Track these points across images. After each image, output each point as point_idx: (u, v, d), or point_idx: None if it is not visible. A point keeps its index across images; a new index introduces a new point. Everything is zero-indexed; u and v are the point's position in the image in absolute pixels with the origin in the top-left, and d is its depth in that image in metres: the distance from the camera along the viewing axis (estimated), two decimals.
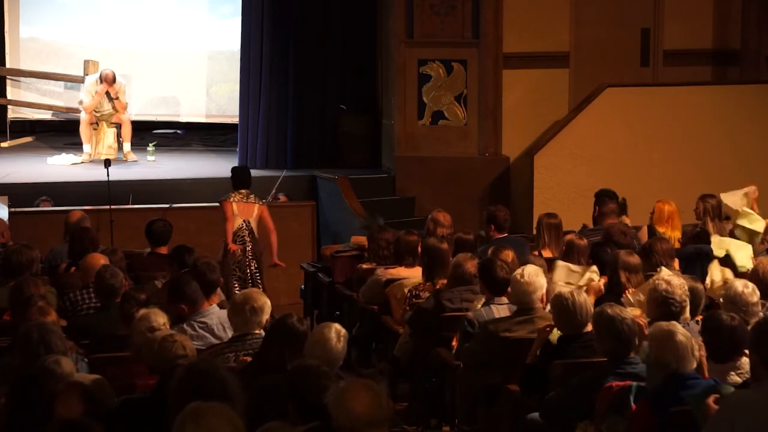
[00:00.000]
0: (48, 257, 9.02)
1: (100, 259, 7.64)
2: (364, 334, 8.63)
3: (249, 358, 5.85)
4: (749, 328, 5.73)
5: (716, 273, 7.84)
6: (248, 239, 10.33)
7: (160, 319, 5.85)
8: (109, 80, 13.86)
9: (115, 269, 7.23)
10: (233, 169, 10.93)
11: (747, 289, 6.35)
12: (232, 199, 10.38)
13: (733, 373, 5.64)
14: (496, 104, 13.22)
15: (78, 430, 4.14)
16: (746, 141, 12.83)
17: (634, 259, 7.28)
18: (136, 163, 13.99)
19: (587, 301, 6.12)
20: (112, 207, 11.12)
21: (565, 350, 6.06)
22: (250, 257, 10.34)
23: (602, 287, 7.43)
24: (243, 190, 10.46)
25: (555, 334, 6.22)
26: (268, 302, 6.22)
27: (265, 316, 6.14)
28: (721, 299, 6.53)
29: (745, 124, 12.87)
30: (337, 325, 5.54)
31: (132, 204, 11.95)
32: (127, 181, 12.54)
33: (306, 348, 5.47)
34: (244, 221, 10.35)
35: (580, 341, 6.02)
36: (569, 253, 8.04)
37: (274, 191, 12.63)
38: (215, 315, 6.69)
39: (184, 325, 6.57)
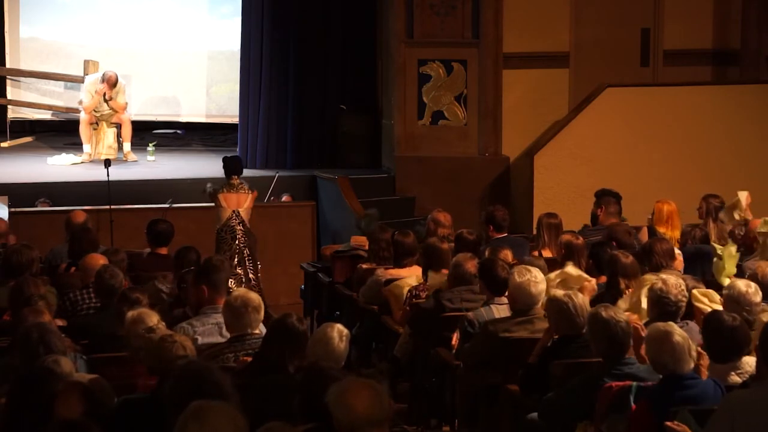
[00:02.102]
0: (48, 257, 9.02)
1: (100, 260, 7.64)
2: (364, 334, 8.63)
3: (249, 358, 5.85)
4: (753, 328, 5.75)
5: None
6: (238, 228, 10.39)
7: (153, 318, 5.85)
8: (111, 82, 13.85)
9: (114, 269, 7.23)
10: (223, 159, 11.03)
11: (750, 289, 6.39)
12: (223, 192, 10.50)
13: (733, 373, 5.65)
14: (496, 104, 13.22)
15: (77, 430, 4.14)
16: (746, 141, 12.83)
17: (630, 261, 7.27)
18: (136, 163, 13.99)
19: (585, 301, 6.13)
20: (112, 207, 11.12)
21: (564, 350, 6.07)
22: (242, 245, 10.36)
23: (595, 287, 7.42)
24: (235, 179, 10.55)
25: None
26: (261, 299, 6.24)
27: (262, 314, 6.16)
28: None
29: (745, 124, 12.87)
30: (339, 325, 5.55)
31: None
32: (127, 181, 12.53)
33: (308, 347, 5.47)
34: (233, 212, 10.43)
35: (580, 341, 6.02)
36: (568, 254, 8.04)
37: (269, 193, 12.61)
38: None
39: (194, 321, 6.57)
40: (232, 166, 10.78)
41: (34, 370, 4.95)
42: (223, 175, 10.82)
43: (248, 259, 10.47)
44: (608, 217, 9.45)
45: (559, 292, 6.25)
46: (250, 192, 10.62)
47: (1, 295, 7.27)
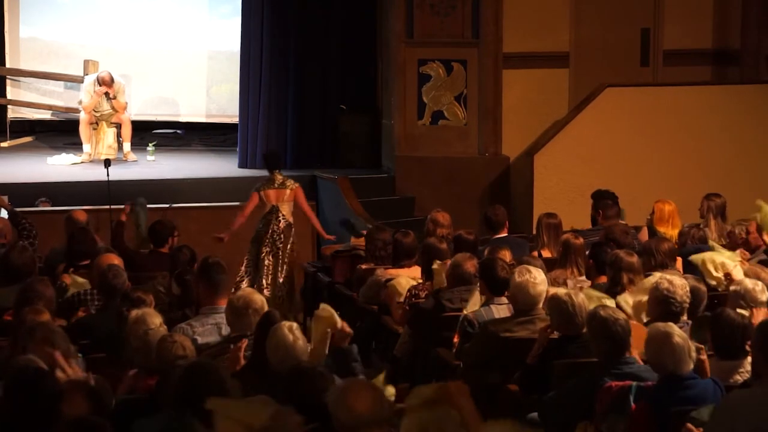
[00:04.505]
0: (48, 257, 9.01)
1: (114, 259, 7.64)
2: (363, 333, 8.62)
3: (242, 344, 5.82)
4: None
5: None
6: (274, 221, 10.59)
7: (155, 320, 5.84)
8: (106, 82, 13.86)
9: (119, 269, 7.20)
10: (263, 155, 11.56)
11: (757, 287, 6.43)
12: (263, 189, 10.67)
13: (736, 372, 5.66)
14: (496, 104, 13.22)
15: (89, 428, 4.15)
16: (746, 141, 12.83)
17: (635, 260, 7.28)
18: (136, 163, 13.99)
19: (585, 301, 6.13)
20: (112, 207, 11.11)
21: (564, 350, 6.07)
22: (278, 237, 10.56)
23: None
24: (277, 175, 10.72)
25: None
26: (264, 300, 6.23)
27: None
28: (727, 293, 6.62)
29: (745, 124, 12.87)
30: (285, 322, 5.49)
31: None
32: (127, 181, 12.53)
33: (269, 355, 5.40)
34: (273, 206, 10.62)
35: (579, 341, 6.02)
36: (566, 254, 8.04)
37: None
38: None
39: (193, 321, 6.56)
40: (269, 162, 11.00)
41: (26, 370, 4.93)
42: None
43: (279, 249, 10.59)
44: (607, 220, 9.44)
45: (562, 291, 6.25)
46: (291, 187, 10.71)
47: (1, 295, 7.27)
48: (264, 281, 10.51)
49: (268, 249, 10.56)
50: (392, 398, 5.05)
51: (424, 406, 4.10)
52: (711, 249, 8.37)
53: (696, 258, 7.85)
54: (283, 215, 10.62)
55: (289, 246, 10.62)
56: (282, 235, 10.59)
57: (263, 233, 10.60)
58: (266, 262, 10.54)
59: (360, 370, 5.73)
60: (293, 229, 10.73)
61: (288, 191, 10.67)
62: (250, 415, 4.12)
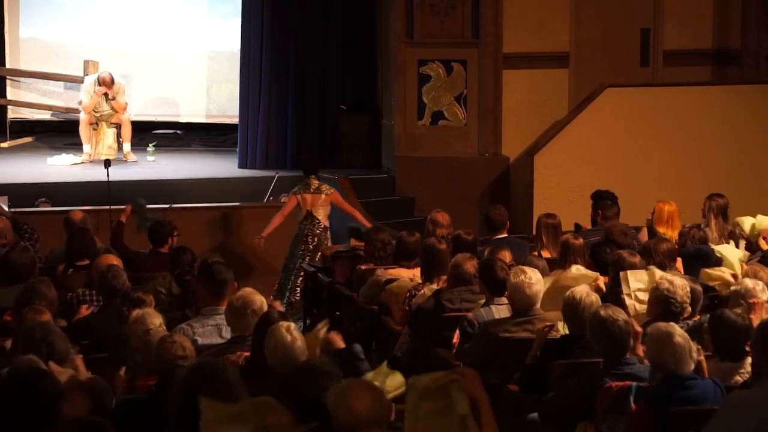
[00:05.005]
0: (48, 258, 9.01)
1: (113, 259, 7.64)
2: (363, 333, 8.62)
3: (244, 353, 5.83)
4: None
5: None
6: (309, 225, 10.87)
7: (155, 320, 5.83)
8: (107, 83, 13.85)
9: (118, 269, 7.21)
10: (300, 158, 11.83)
11: (758, 286, 6.45)
12: (300, 192, 10.92)
13: (736, 373, 5.66)
14: (496, 104, 13.22)
15: (89, 428, 4.15)
16: (746, 141, 12.84)
17: (637, 260, 7.29)
18: (136, 163, 13.98)
19: (594, 303, 6.10)
20: (112, 207, 11.10)
21: (567, 350, 6.07)
22: (313, 239, 10.83)
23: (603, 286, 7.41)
24: (312, 180, 10.95)
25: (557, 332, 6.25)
26: (264, 301, 6.22)
27: None
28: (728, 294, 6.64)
29: (745, 124, 12.87)
30: (282, 323, 5.48)
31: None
32: (127, 182, 12.53)
33: (268, 356, 5.39)
34: (308, 212, 10.88)
35: (583, 342, 6.02)
36: (565, 254, 8.04)
37: (269, 194, 12.61)
38: None
39: (193, 322, 6.56)
40: (306, 166, 11.21)
41: (26, 370, 4.93)
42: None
43: (307, 254, 10.86)
44: (607, 221, 9.44)
45: (580, 288, 6.24)
46: (327, 192, 10.95)
47: (0, 296, 7.27)
48: (293, 284, 10.79)
49: (304, 253, 10.82)
50: (402, 387, 5.04)
51: (430, 390, 4.08)
52: (710, 251, 8.39)
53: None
54: (318, 220, 10.89)
55: (321, 251, 10.82)
56: (317, 239, 10.84)
57: (300, 239, 10.86)
58: (298, 264, 10.81)
59: (366, 368, 5.72)
60: (329, 233, 10.98)
61: (323, 196, 10.93)
62: (237, 417, 4.08)
